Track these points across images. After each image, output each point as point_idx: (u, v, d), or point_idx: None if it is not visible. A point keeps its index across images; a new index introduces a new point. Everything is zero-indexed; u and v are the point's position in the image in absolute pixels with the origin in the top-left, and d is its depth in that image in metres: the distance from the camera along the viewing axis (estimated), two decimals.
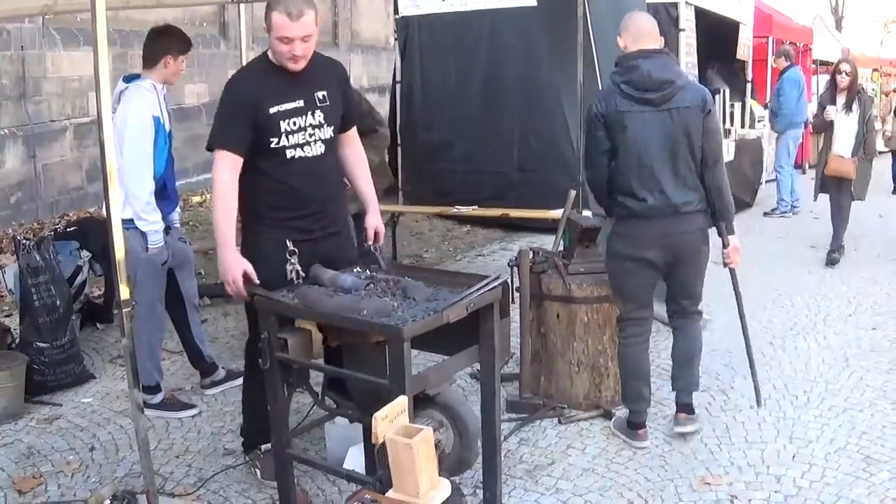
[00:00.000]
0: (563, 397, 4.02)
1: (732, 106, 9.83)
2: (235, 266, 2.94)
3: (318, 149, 3.12)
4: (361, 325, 2.54)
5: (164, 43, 3.90)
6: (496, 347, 2.80)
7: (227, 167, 2.99)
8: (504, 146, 8.07)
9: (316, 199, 3.14)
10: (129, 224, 3.71)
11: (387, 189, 9.41)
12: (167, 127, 3.93)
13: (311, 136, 3.10)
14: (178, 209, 4.23)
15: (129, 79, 3.93)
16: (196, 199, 9.06)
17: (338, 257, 3.14)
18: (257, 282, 2.94)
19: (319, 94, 3.12)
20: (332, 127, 3.17)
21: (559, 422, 3.88)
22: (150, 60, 3.91)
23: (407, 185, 8.65)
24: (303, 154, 3.09)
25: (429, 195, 8.06)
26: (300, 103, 3.07)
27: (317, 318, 2.73)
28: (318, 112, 3.11)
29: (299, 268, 3.00)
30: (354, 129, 3.36)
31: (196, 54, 10.49)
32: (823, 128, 6.95)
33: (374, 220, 3.33)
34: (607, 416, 3.90)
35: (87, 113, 8.57)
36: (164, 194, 3.92)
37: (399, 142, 8.68)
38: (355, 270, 2.97)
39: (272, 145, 3.04)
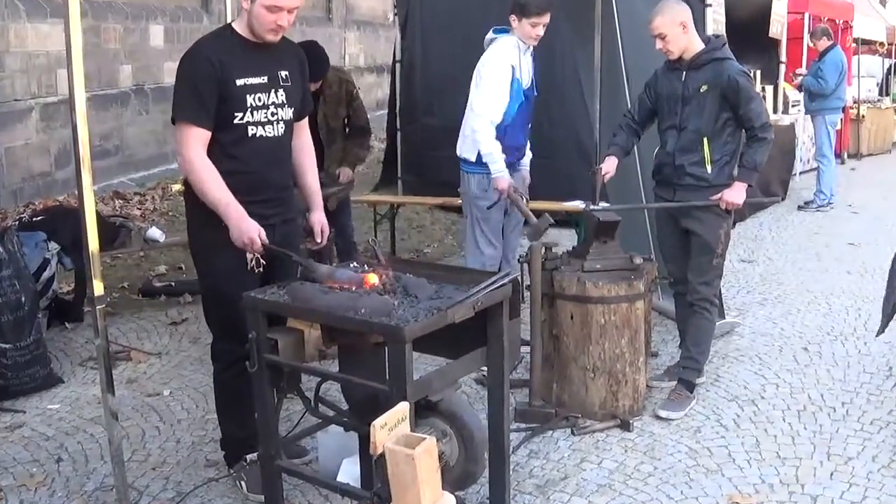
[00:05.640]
0: (577, 406, 4.03)
1: (763, 89, 9.83)
2: (251, 226, 3.04)
3: (279, 129, 3.23)
4: (359, 325, 2.55)
5: (514, 3, 4.49)
6: (505, 350, 2.82)
7: (199, 143, 3.06)
8: None
9: (274, 184, 3.24)
10: (468, 166, 4.61)
11: (385, 178, 9.47)
12: (524, 83, 4.55)
13: (273, 115, 3.19)
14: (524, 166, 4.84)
15: (499, 31, 4.62)
16: (177, 186, 9.05)
17: (295, 245, 3.27)
18: (266, 241, 3.06)
19: (282, 73, 3.23)
20: (293, 109, 3.28)
21: (572, 433, 3.89)
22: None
23: (406, 173, 8.63)
24: (264, 133, 3.17)
25: (430, 185, 8.03)
26: (264, 79, 3.16)
27: (310, 317, 2.73)
28: (280, 91, 3.21)
29: (259, 256, 3.09)
30: (306, 120, 3.46)
31: (175, 29, 10.53)
32: None
33: (320, 217, 3.41)
34: (625, 426, 3.91)
35: (56, 91, 8.57)
36: (504, 148, 4.49)
37: (398, 126, 8.66)
38: (352, 266, 2.98)
39: (236, 121, 3.11)
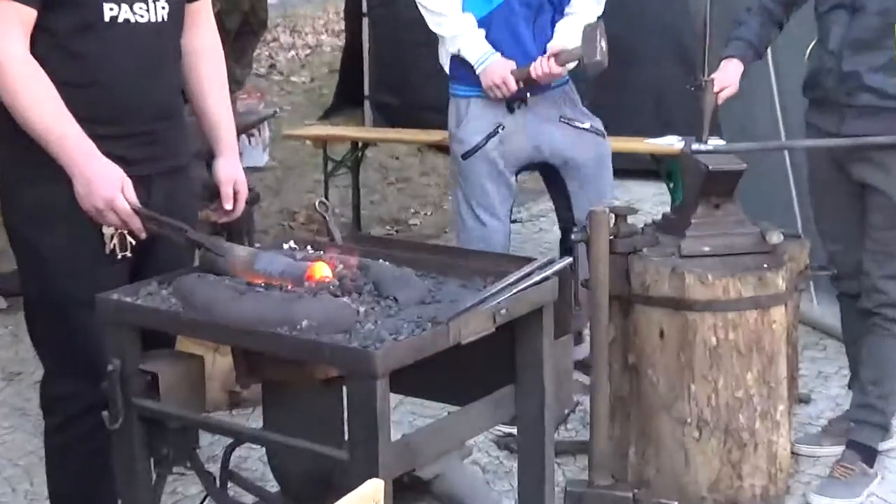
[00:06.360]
0: (672, 486, 4.07)
1: None
2: (110, 173, 2.99)
3: (158, 12, 3.20)
4: (298, 349, 2.57)
5: None
6: (546, 392, 2.85)
7: (17, 29, 3.00)
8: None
9: (148, 106, 3.23)
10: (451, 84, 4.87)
11: (342, 98, 9.47)
12: None
13: None
14: None
15: None
16: None
17: (189, 211, 3.32)
18: (139, 204, 3.01)
19: None
20: None
21: None
22: None
23: (379, 91, 8.66)
24: (131, 17, 3.14)
25: (418, 109, 8.06)
26: None
27: (215, 334, 2.79)
28: None
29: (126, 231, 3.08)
30: (209, 2, 3.47)
31: None
32: None
33: (231, 169, 3.40)
34: None
35: None
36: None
37: (364, 9, 8.69)
38: (288, 247, 3.02)
39: None
